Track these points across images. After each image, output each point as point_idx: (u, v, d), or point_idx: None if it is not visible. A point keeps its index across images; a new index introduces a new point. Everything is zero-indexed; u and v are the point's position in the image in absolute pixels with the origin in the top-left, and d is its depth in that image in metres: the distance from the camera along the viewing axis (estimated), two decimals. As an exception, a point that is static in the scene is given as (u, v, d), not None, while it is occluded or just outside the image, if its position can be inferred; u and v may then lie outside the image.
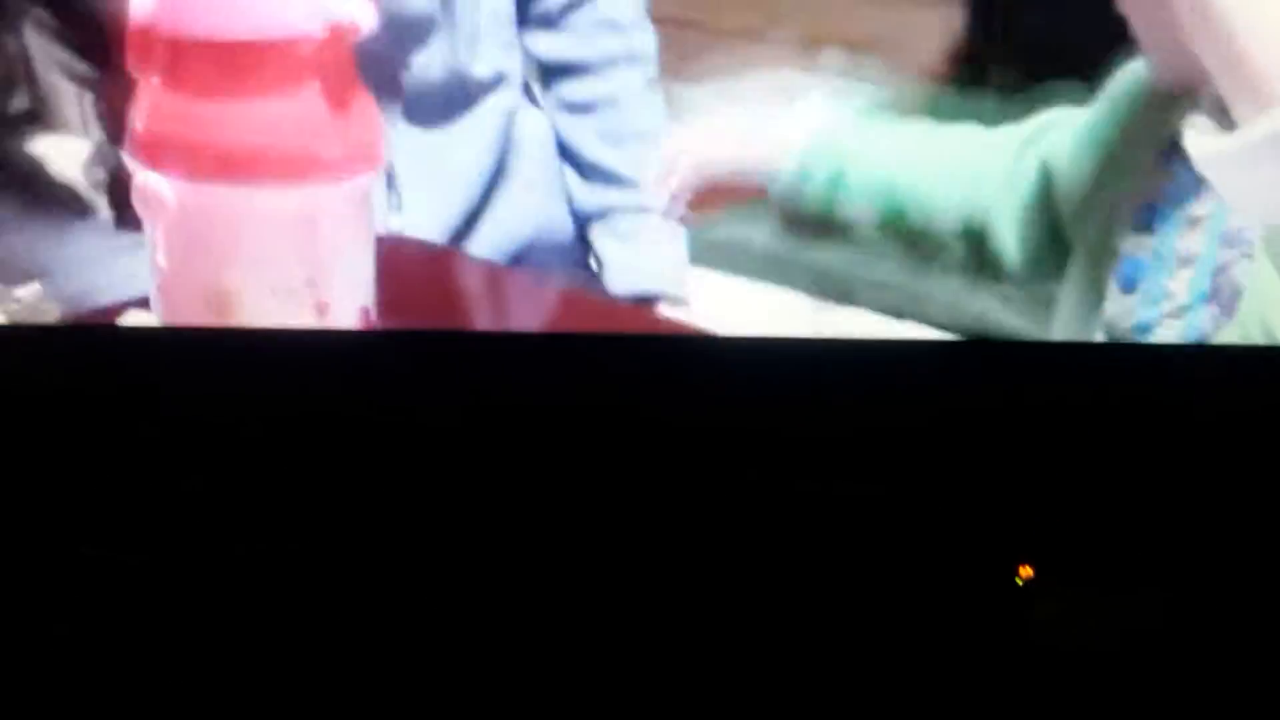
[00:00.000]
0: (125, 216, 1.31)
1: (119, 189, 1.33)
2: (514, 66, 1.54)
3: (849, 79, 1.44)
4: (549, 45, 1.55)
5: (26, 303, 1.37)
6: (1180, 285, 1.25)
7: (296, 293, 1.23)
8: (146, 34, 1.20)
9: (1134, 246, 1.27)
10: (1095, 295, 1.29)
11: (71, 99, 1.44)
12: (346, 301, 1.26)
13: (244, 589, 1.29)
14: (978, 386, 1.35)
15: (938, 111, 1.42)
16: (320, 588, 1.29)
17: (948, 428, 1.33)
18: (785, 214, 1.43)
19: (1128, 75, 1.29)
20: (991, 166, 1.38)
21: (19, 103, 1.44)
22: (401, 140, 1.45)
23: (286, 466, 1.33)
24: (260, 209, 1.21)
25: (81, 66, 1.43)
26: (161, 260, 1.24)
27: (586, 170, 1.56)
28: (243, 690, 1.24)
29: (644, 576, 1.29)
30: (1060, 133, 1.35)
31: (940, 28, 1.48)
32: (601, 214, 1.56)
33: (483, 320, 1.48)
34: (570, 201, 1.57)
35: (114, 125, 1.33)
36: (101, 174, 1.43)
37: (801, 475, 1.31)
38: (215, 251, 1.22)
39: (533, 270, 1.55)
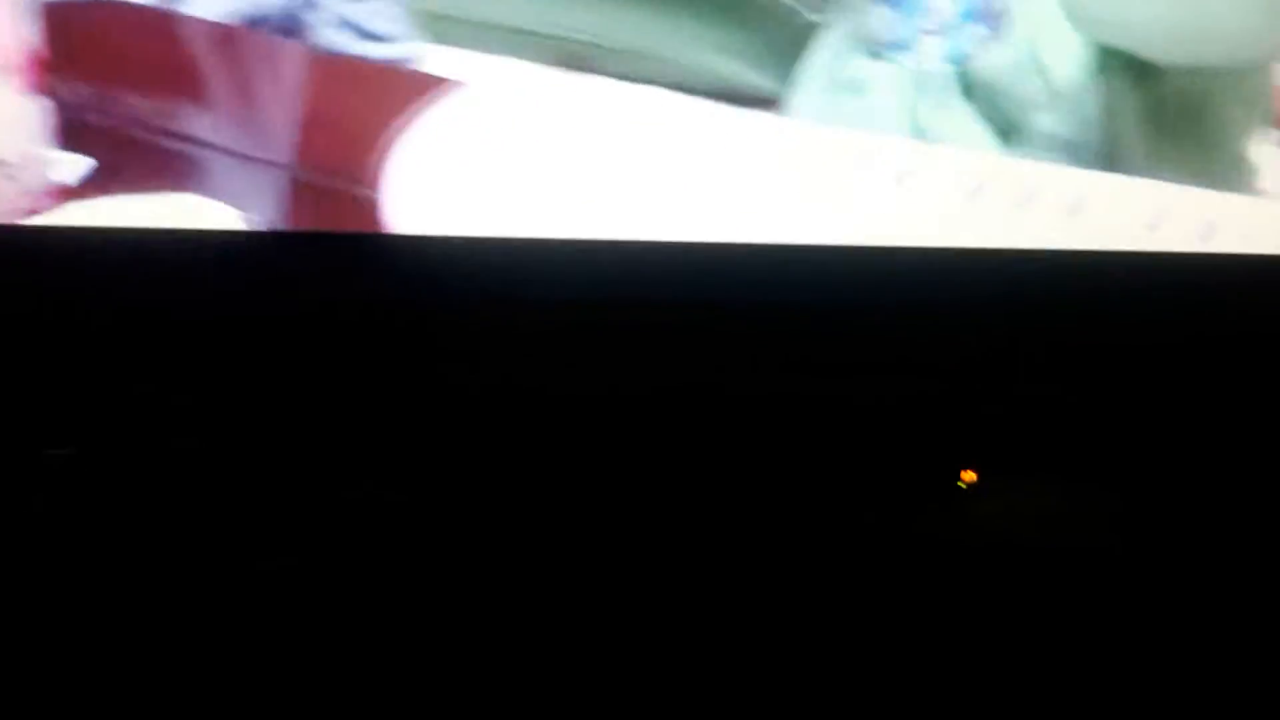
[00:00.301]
0: None
1: None
2: None
3: None
4: None
5: None
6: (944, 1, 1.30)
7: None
8: None
9: None
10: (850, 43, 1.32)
11: None
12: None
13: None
14: (920, 293, 1.29)
15: None
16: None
17: (895, 332, 1.29)
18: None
19: None
20: None
21: None
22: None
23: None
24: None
25: None
26: None
27: None
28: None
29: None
30: None
31: None
32: None
33: (205, 82, 1.39)
34: None
35: None
36: None
37: (740, 379, 1.27)
38: None
39: (256, 31, 1.45)
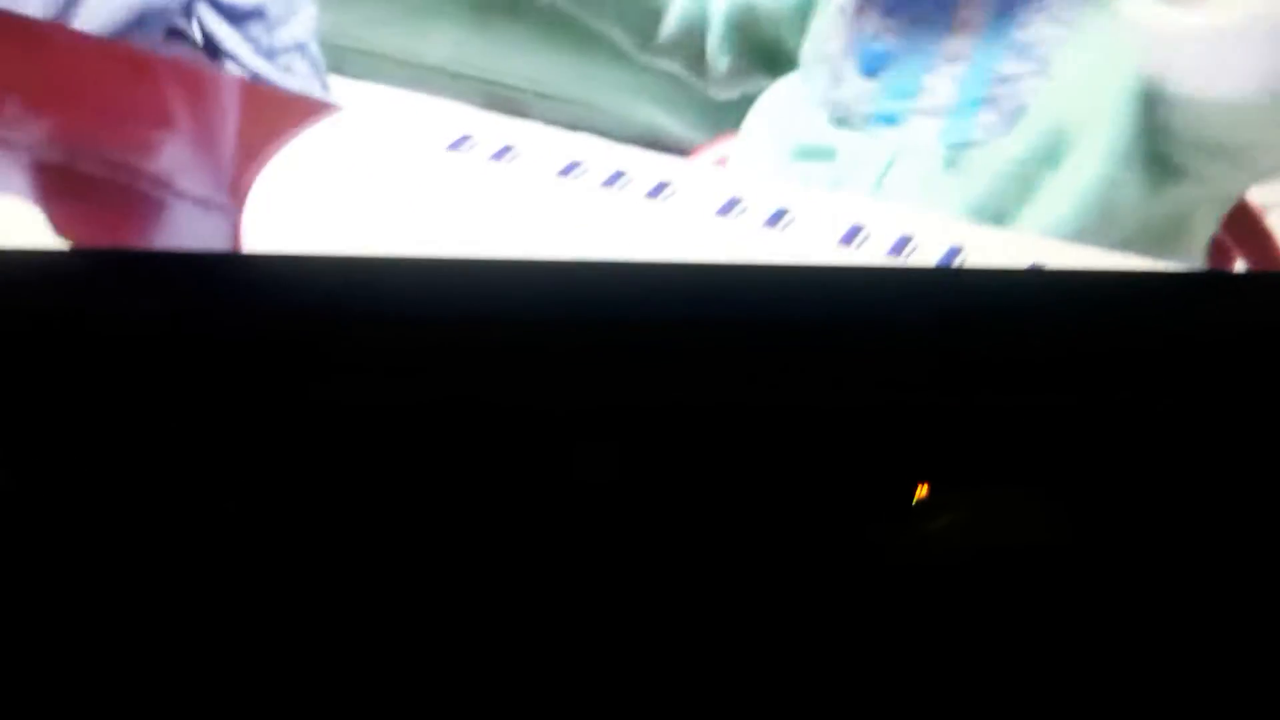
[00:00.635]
0: None
1: None
2: None
3: None
4: None
5: None
6: (942, 82, 1.17)
7: None
8: None
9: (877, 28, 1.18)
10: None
11: None
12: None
13: None
14: (878, 308, 1.23)
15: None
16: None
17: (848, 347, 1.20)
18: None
19: None
20: None
21: None
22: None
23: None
24: None
25: None
26: None
27: None
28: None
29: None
30: None
31: None
32: None
33: (90, 99, 1.27)
34: None
35: None
36: None
37: (692, 391, 1.18)
38: None
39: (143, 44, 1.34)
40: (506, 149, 1.09)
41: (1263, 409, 1.17)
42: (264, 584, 1.17)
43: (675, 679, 1.16)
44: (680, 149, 1.33)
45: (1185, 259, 1.24)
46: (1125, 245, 1.18)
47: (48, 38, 1.33)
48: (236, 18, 1.34)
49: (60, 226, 1.19)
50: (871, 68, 1.19)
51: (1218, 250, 1.28)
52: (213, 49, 1.35)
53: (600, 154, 1.11)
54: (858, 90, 1.19)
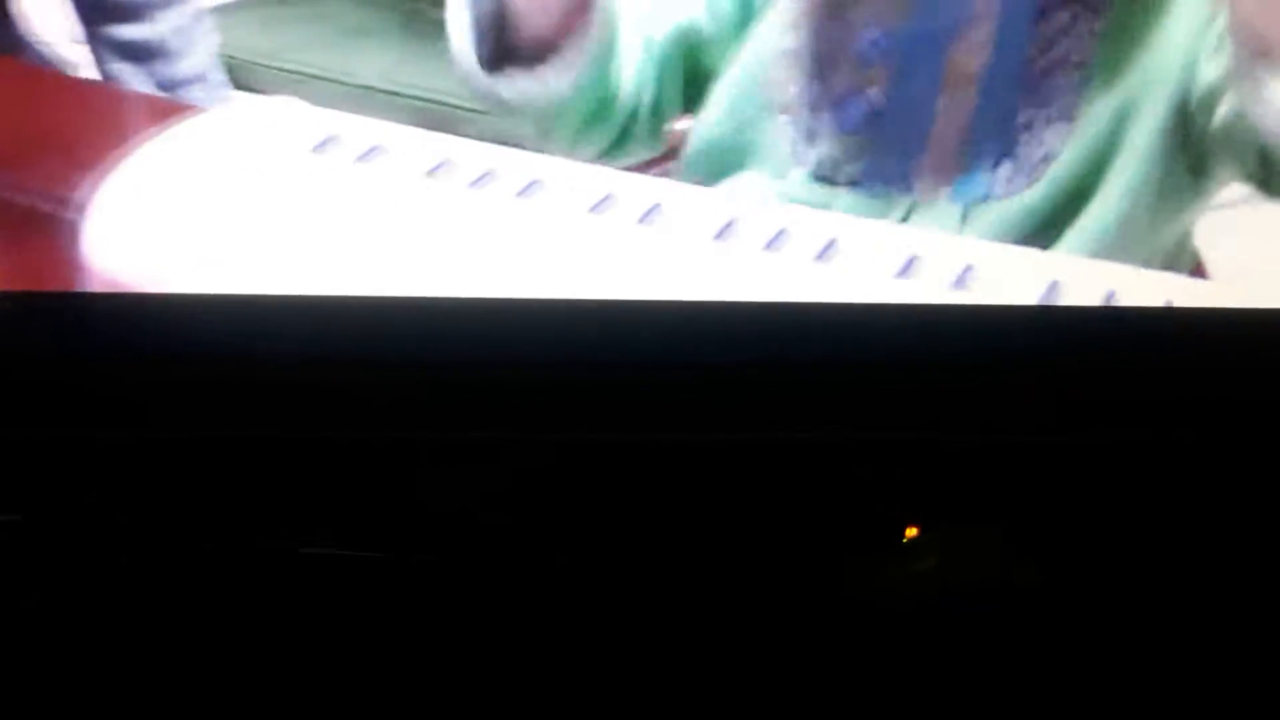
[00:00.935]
0: None
1: None
2: None
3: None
4: None
5: None
6: (946, 134, 1.02)
7: None
8: None
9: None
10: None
11: None
12: None
13: None
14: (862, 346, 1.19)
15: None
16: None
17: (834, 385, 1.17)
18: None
19: None
20: None
21: None
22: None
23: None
24: None
25: None
26: None
27: None
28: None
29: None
30: None
31: None
32: None
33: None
34: None
35: None
36: None
37: (676, 428, 1.16)
38: None
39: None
40: (374, 149, 1.07)
41: (1235, 445, 1.12)
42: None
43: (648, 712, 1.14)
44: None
45: (1179, 269, 1.18)
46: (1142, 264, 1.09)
47: None
48: (137, 57, 1.34)
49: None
50: (851, 125, 1.06)
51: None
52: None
53: (519, 163, 1.08)
54: (838, 149, 1.07)
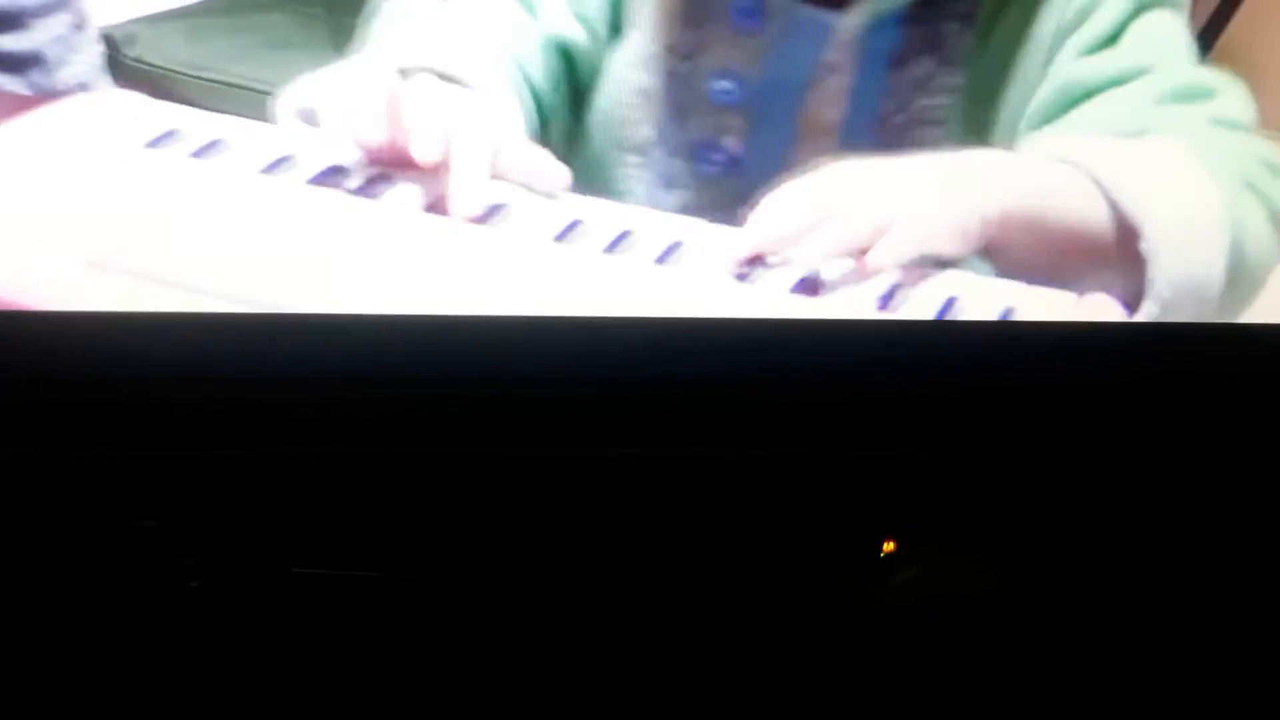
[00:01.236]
0: None
1: None
2: None
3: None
4: None
5: None
6: None
7: None
8: None
9: None
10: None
11: None
12: None
13: None
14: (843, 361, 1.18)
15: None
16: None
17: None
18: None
19: None
20: None
21: None
22: None
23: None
24: None
25: None
26: None
27: None
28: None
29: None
30: None
31: None
32: None
33: None
34: None
35: None
36: None
37: (654, 444, 1.15)
38: None
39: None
40: (214, 143, 1.00)
41: (1221, 460, 1.13)
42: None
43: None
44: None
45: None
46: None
47: None
48: (12, 66, 1.30)
49: None
50: (710, 173, 1.02)
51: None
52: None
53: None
54: (700, 197, 1.02)
